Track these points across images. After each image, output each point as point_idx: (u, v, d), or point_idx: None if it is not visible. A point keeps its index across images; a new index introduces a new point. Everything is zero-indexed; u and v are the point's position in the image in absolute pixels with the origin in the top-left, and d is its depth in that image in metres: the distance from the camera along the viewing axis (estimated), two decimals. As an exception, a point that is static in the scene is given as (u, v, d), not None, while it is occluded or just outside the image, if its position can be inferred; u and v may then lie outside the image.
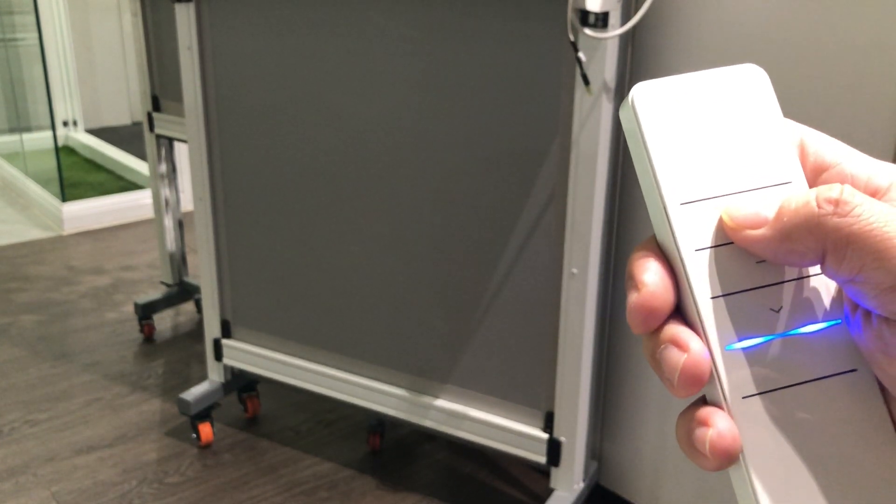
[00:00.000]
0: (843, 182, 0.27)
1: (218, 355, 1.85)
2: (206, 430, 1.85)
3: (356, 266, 1.60)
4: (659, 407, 1.51)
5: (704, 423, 0.26)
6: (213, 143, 1.71)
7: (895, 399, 0.27)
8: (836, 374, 0.27)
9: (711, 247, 0.27)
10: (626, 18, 1.26)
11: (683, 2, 1.30)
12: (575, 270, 1.35)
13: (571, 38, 1.22)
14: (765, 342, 0.27)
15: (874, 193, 0.27)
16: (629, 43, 1.36)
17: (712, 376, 0.27)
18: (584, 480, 1.51)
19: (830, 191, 0.25)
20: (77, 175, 3.77)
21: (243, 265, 1.76)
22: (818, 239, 0.25)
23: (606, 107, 1.27)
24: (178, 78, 1.73)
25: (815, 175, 0.28)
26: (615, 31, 1.23)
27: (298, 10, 1.51)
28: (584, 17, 1.22)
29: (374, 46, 1.45)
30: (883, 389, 0.27)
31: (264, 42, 1.57)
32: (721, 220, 0.27)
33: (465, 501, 1.70)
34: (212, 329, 1.84)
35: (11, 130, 3.94)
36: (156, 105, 2.27)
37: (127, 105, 4.49)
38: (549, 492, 1.51)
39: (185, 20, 1.64)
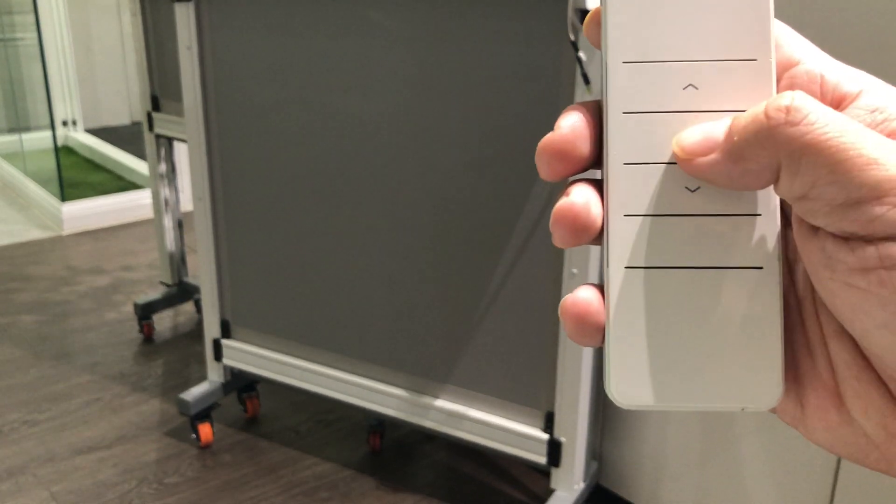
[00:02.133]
0: (811, 80, 0.26)
1: (217, 355, 1.85)
2: (205, 430, 1.85)
3: (356, 266, 1.60)
4: (659, 407, 1.51)
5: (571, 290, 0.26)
6: (212, 142, 1.70)
7: (823, 307, 0.26)
8: (738, 267, 0.25)
9: (639, 112, 0.26)
10: (626, 18, 1.26)
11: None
12: (575, 270, 1.35)
13: (572, 37, 1.22)
14: (667, 218, 0.26)
15: (842, 99, 0.25)
16: (629, 42, 1.36)
17: (604, 242, 0.26)
18: (584, 481, 1.51)
19: (781, 99, 0.23)
20: (77, 175, 3.77)
21: (243, 265, 1.76)
22: (771, 153, 0.23)
23: (607, 106, 1.26)
24: (177, 78, 1.73)
25: (782, 72, 0.26)
26: (615, 30, 1.23)
27: (298, 9, 1.51)
28: (584, 16, 1.22)
29: (374, 46, 1.45)
30: (790, 297, 0.26)
31: (264, 42, 1.57)
32: (673, 152, 0.25)
33: (465, 501, 1.70)
34: (211, 329, 1.84)
35: (11, 130, 3.94)
36: (155, 105, 2.27)
37: (126, 105, 4.49)
38: (550, 492, 1.51)
39: (184, 20, 1.64)
